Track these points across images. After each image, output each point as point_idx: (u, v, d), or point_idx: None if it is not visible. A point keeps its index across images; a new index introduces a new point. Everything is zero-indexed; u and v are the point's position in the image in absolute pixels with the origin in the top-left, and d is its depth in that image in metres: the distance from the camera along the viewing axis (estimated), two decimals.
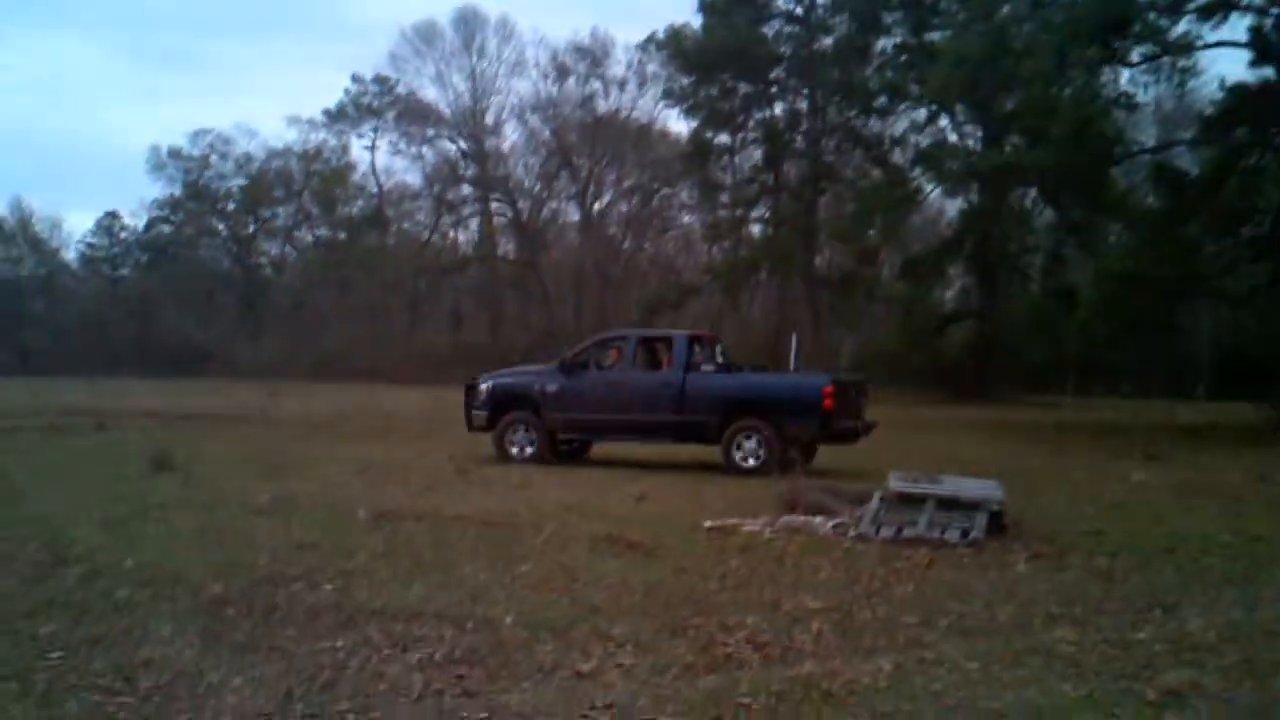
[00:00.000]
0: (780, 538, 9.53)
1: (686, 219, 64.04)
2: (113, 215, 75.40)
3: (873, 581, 7.79)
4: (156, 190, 72.93)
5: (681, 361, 16.01)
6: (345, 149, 69.93)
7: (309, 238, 73.49)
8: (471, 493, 12.48)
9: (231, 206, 72.12)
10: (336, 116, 68.03)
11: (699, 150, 50.97)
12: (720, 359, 16.75)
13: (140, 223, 74.33)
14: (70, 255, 76.35)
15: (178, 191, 71.62)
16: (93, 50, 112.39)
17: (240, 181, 71.13)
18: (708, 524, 10.13)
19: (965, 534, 9.32)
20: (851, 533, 9.65)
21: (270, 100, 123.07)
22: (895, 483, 10.17)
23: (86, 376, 49.58)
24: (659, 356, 16.91)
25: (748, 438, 15.38)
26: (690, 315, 49.94)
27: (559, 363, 16.72)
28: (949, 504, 9.71)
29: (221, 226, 73.10)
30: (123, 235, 75.91)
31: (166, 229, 73.82)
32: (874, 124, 48.56)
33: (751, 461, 15.22)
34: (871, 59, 46.31)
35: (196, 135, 70.10)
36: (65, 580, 7.52)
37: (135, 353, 61.64)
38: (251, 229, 72.56)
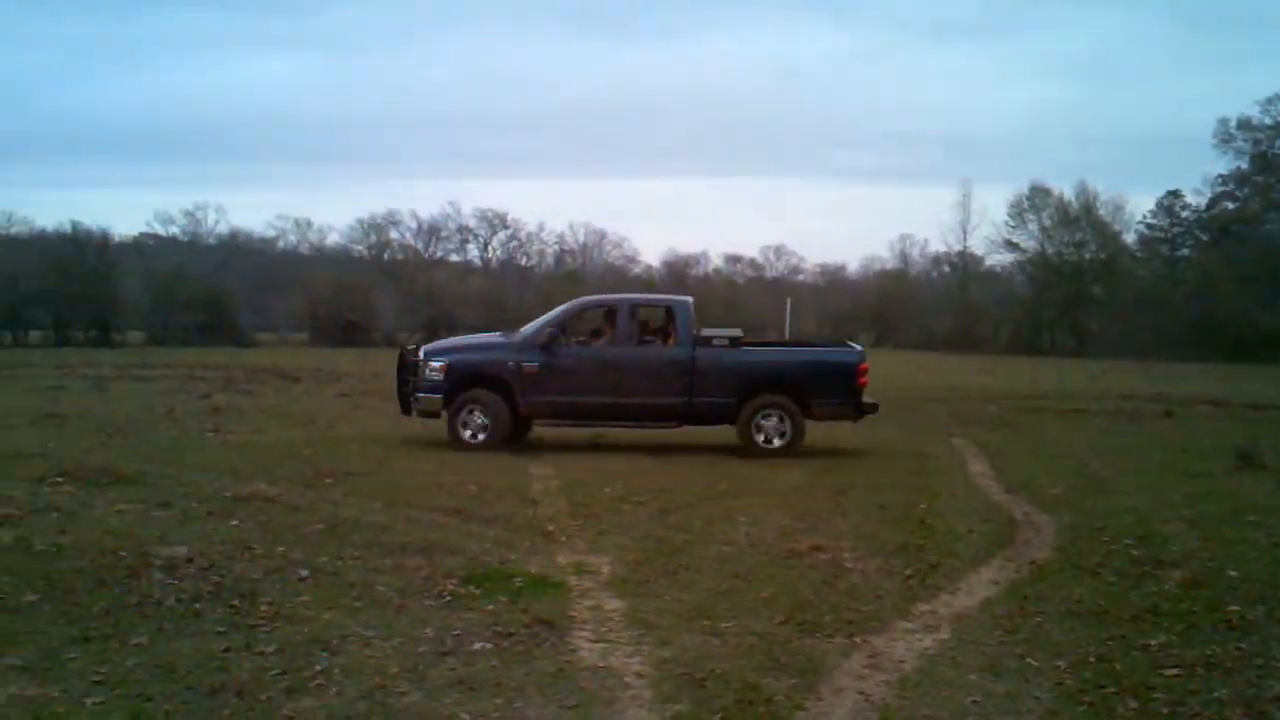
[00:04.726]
0: None
1: None
2: (1174, 194, 74.35)
3: None
4: (1222, 165, 69.68)
5: (687, 335, 14.31)
6: None
7: None
8: None
9: None
10: None
11: None
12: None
13: (1203, 200, 72.37)
14: (1129, 237, 77.06)
15: (1244, 165, 68.17)
16: (1145, 24, 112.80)
17: None
18: None
19: None
20: None
21: None
22: None
23: (1141, 360, 49.78)
24: (650, 329, 14.98)
25: (767, 417, 14.15)
26: None
27: (533, 338, 14.40)
28: None
29: None
30: (1184, 214, 74.53)
31: (1230, 205, 70.76)
32: None
33: (776, 442, 14.08)
34: None
35: (1268, 103, 65.77)
36: (1165, 585, 7.21)
37: (1193, 336, 59.78)
38: None
